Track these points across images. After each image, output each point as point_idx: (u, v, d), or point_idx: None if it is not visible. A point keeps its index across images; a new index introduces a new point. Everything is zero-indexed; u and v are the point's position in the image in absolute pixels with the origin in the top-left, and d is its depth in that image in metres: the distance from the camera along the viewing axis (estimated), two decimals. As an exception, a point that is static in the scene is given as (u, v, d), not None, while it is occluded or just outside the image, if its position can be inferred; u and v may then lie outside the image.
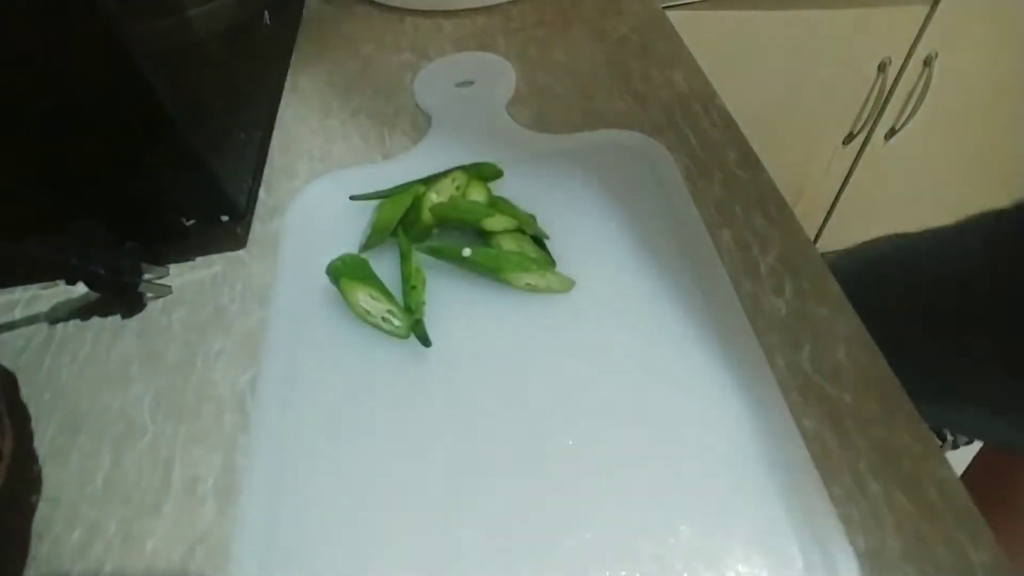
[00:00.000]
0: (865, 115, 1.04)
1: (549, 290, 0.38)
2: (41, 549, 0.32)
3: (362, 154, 0.50)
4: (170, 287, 0.42)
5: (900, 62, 0.96)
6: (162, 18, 0.42)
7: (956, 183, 1.17)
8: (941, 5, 0.88)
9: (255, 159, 0.49)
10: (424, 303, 0.37)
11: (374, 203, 0.42)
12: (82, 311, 0.42)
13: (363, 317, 0.37)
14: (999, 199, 0.47)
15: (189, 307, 0.41)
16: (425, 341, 0.36)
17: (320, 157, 0.50)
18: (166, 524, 0.32)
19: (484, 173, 0.42)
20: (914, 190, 1.20)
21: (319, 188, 0.46)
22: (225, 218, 0.43)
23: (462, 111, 0.50)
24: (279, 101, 0.56)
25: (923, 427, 0.32)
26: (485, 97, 0.51)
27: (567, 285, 0.38)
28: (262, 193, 0.48)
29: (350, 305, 0.37)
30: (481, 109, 0.50)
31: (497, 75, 0.53)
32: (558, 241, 0.40)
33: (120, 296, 0.42)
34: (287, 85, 0.58)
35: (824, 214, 1.27)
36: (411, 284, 0.37)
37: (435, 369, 0.35)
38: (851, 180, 1.18)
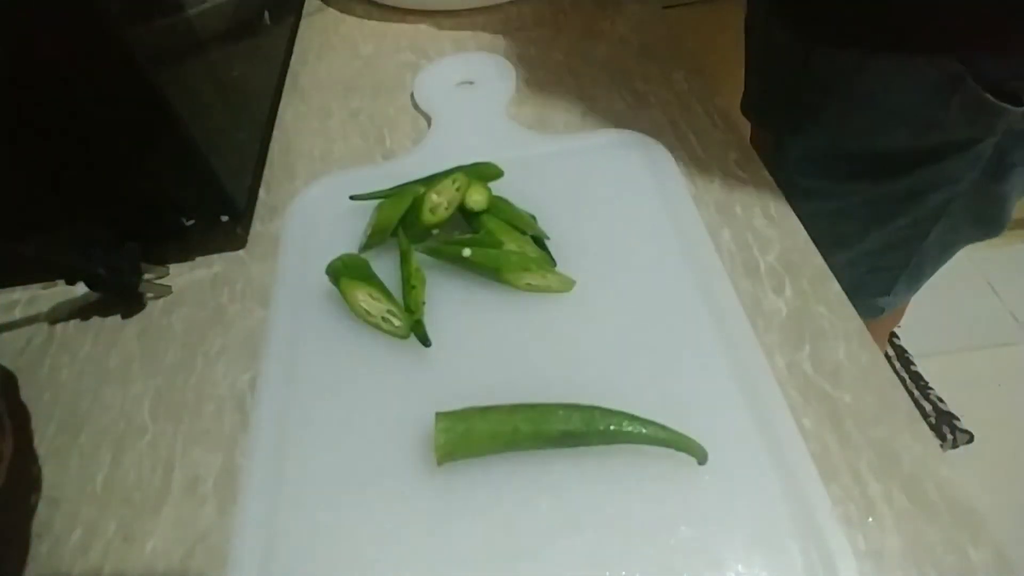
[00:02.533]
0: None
1: (549, 290, 0.38)
2: (41, 549, 0.32)
3: (362, 154, 0.50)
4: (170, 287, 0.42)
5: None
6: (162, 18, 0.42)
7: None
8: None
9: (255, 159, 0.49)
10: (424, 303, 0.37)
11: (374, 203, 0.42)
12: (82, 311, 0.42)
13: (363, 317, 0.37)
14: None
15: (189, 307, 0.41)
16: (425, 341, 0.36)
17: (320, 157, 0.50)
18: (166, 524, 0.32)
19: (484, 173, 0.42)
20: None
21: (319, 188, 0.46)
22: (225, 218, 0.43)
23: (462, 111, 0.50)
24: (279, 101, 0.56)
25: (923, 427, 0.32)
26: (485, 97, 0.51)
27: (567, 285, 0.38)
28: (262, 193, 0.48)
29: (350, 305, 0.37)
30: (481, 109, 0.50)
31: (497, 75, 0.53)
32: (558, 241, 0.40)
33: (120, 296, 0.42)
34: (287, 85, 0.58)
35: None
36: (411, 284, 0.37)
37: (435, 369, 0.35)
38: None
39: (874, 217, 0.55)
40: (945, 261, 0.64)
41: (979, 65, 0.44)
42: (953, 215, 0.54)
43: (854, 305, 0.36)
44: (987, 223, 0.58)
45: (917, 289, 0.66)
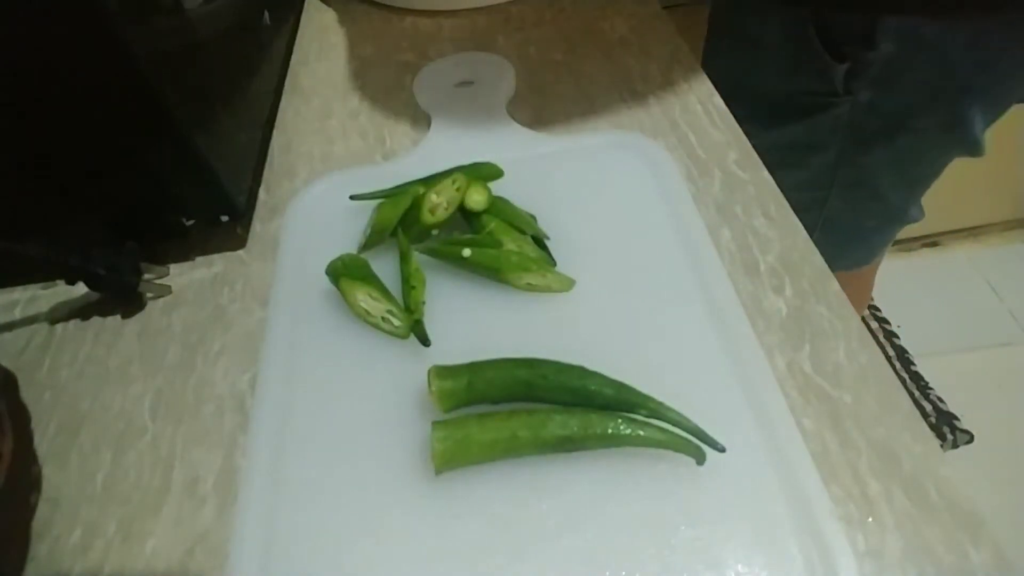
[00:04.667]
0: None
1: (549, 290, 0.38)
2: (41, 549, 0.32)
3: (362, 154, 0.50)
4: (170, 287, 0.42)
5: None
6: (162, 18, 0.42)
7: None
8: None
9: (255, 159, 0.49)
10: (424, 303, 0.37)
11: (374, 203, 0.42)
12: (82, 311, 0.42)
13: (363, 317, 0.37)
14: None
15: (189, 307, 0.41)
16: (425, 341, 0.36)
17: (320, 157, 0.50)
18: (166, 524, 0.32)
19: (484, 173, 0.42)
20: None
21: (319, 188, 0.46)
22: (225, 218, 0.43)
23: (462, 111, 0.50)
24: (279, 101, 0.56)
25: (923, 427, 0.32)
26: (485, 97, 0.51)
27: (567, 285, 0.38)
28: (262, 193, 0.48)
29: (350, 305, 0.37)
30: (481, 109, 0.50)
31: (497, 75, 0.53)
32: (558, 241, 0.40)
33: (120, 296, 0.42)
34: (287, 85, 0.58)
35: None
36: (411, 284, 0.37)
37: (435, 369, 0.35)
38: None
39: (768, 165, 0.58)
40: (877, 244, 0.70)
41: (822, 17, 0.50)
42: (846, 188, 0.60)
43: None
44: (878, 202, 0.63)
45: (847, 267, 0.71)
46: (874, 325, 1.32)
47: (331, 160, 0.50)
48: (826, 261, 0.38)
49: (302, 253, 0.42)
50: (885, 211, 0.65)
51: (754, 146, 0.45)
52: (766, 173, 0.44)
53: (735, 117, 0.48)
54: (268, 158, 0.51)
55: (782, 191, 0.42)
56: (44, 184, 0.40)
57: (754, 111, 0.55)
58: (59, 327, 0.41)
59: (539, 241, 0.40)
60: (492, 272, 0.38)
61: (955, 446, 1.15)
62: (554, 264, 0.39)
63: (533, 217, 0.41)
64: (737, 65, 0.59)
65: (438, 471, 0.30)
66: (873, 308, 1.34)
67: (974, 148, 0.57)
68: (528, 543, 0.29)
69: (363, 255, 0.40)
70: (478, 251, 0.38)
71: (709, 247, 0.39)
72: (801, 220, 0.41)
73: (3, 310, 0.43)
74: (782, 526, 0.28)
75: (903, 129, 0.55)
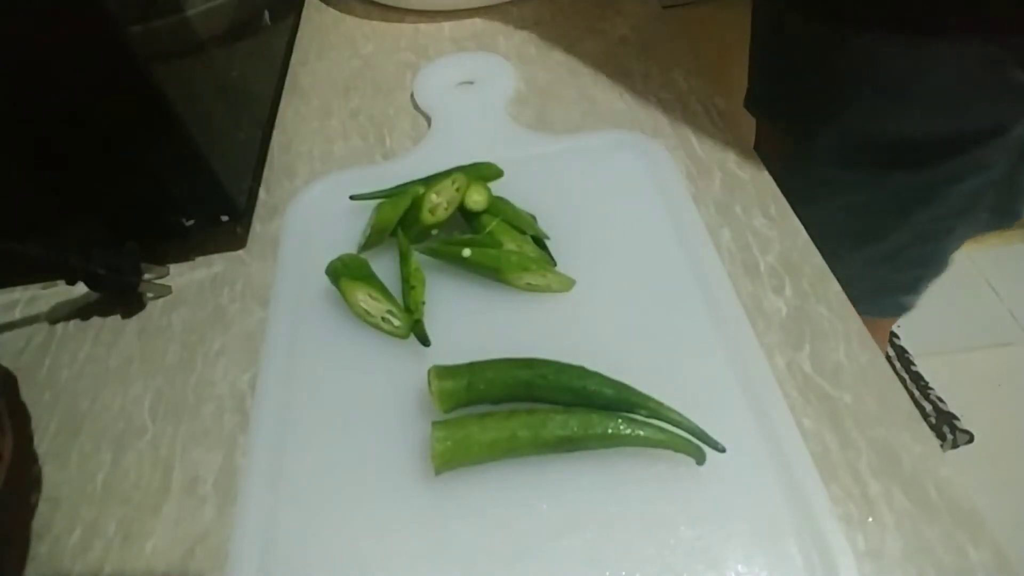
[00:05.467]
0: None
1: (549, 290, 0.38)
2: (41, 549, 0.32)
3: (362, 154, 0.50)
4: (170, 287, 0.42)
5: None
6: (162, 18, 0.42)
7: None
8: None
9: (255, 159, 0.49)
10: (424, 303, 0.37)
11: (374, 203, 0.42)
12: (82, 311, 0.42)
13: (363, 317, 0.37)
14: None
15: (189, 307, 0.41)
16: (425, 341, 0.36)
17: (320, 157, 0.50)
18: (166, 524, 0.32)
19: (484, 173, 0.42)
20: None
21: (319, 188, 0.46)
22: (225, 218, 0.43)
23: (462, 111, 0.50)
24: (279, 101, 0.56)
25: (923, 427, 0.32)
26: (485, 97, 0.51)
27: (567, 285, 0.38)
28: (262, 193, 0.48)
29: (350, 305, 0.37)
30: (481, 109, 0.50)
31: (497, 75, 0.53)
32: (558, 241, 0.40)
33: (120, 296, 0.42)
34: (287, 85, 0.58)
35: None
36: (410, 284, 0.37)
37: (435, 369, 0.35)
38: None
39: (905, 208, 0.54)
40: (946, 260, 0.64)
41: (1021, 50, 0.45)
42: (979, 205, 0.55)
43: (878, 304, 0.35)
44: (1005, 213, 0.58)
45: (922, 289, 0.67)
46: (874, 325, 1.32)
47: (331, 160, 0.50)
48: (906, 296, 0.34)
49: (302, 253, 0.42)
50: (1001, 221, 0.60)
51: (880, 195, 0.42)
52: (766, 173, 0.44)
53: (862, 166, 0.45)
54: (268, 158, 0.51)
55: (901, 234, 0.39)
56: (44, 184, 0.41)
57: (897, 157, 0.52)
58: (59, 327, 0.41)
59: (539, 241, 0.40)
60: (492, 272, 0.38)
61: (955, 446, 1.15)
62: (554, 264, 0.39)
63: (533, 217, 0.41)
64: (881, 114, 0.53)
65: (438, 471, 0.30)
66: (873, 308, 1.34)
67: None
68: (528, 543, 0.29)
69: (363, 255, 0.40)
70: (478, 251, 0.38)
71: (709, 247, 0.39)
72: (918, 254, 0.37)
73: (3, 310, 0.43)
74: (782, 526, 0.28)
75: None
